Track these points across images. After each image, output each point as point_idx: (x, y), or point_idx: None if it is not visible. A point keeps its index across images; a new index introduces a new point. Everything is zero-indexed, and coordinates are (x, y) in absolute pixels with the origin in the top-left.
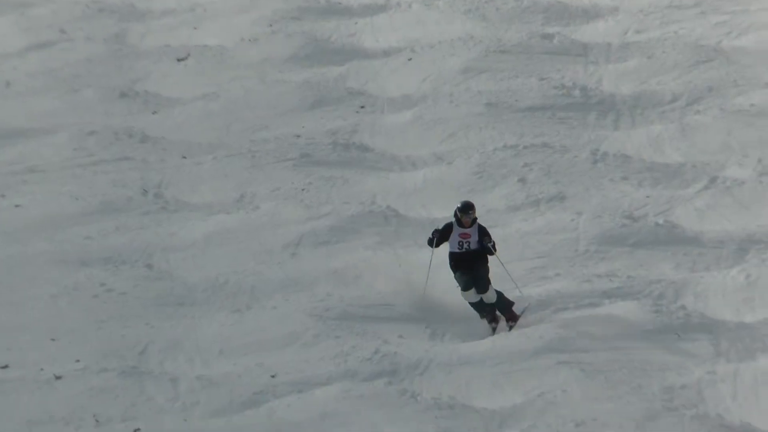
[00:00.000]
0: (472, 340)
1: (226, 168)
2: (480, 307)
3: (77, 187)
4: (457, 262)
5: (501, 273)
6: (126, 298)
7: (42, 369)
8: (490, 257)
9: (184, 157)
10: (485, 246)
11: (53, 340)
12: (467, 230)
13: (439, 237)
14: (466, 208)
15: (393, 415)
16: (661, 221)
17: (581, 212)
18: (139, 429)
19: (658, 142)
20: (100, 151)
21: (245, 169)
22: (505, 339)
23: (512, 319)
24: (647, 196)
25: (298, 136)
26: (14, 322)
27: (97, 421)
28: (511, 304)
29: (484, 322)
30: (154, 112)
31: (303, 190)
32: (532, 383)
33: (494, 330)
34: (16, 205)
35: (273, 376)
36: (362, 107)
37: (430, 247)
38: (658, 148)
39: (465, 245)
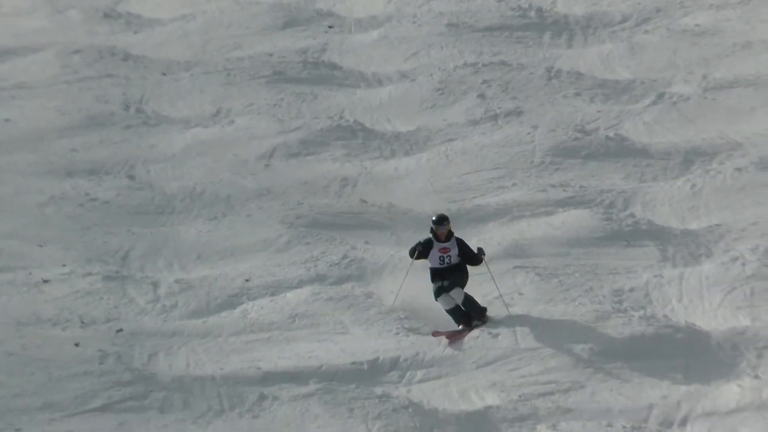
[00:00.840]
0: None
1: (202, 84)
2: (456, 313)
3: (63, 102)
4: (436, 274)
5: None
6: (109, 206)
7: (30, 273)
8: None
9: (164, 74)
10: (474, 256)
11: (41, 246)
12: (446, 245)
13: (420, 251)
14: (441, 220)
15: (359, 316)
16: (611, 134)
17: (537, 126)
18: (121, 329)
19: (608, 60)
20: (85, 69)
21: (221, 86)
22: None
23: (481, 318)
24: (598, 111)
25: (271, 55)
26: (3, 229)
27: (82, 322)
28: (483, 309)
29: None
30: (136, 32)
31: (275, 105)
32: (490, 286)
33: (471, 328)
34: (6, 119)
35: (247, 280)
36: (331, 27)
37: (410, 258)
38: (608, 65)
39: (446, 260)
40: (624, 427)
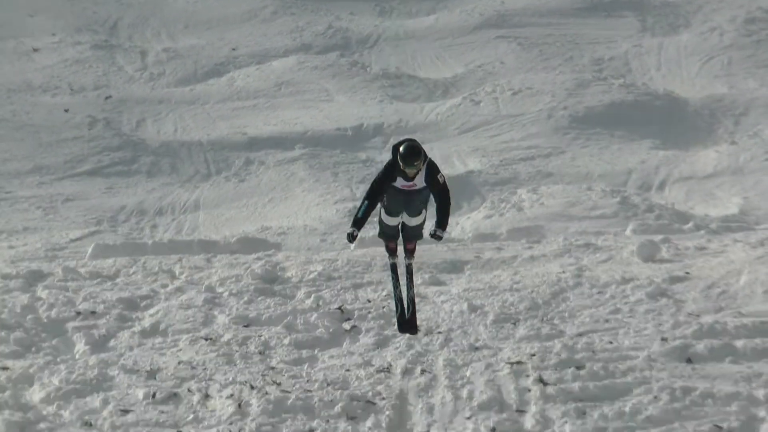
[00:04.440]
0: (418, 17)
1: None
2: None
3: None
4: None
5: None
6: None
7: (21, 42)
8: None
9: None
10: (433, 234)
11: (31, 16)
12: (412, 182)
13: (373, 195)
14: (410, 158)
15: (344, 84)
16: None
17: None
18: (110, 96)
19: None
20: None
21: None
22: (449, 16)
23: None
24: None
25: None
26: None
27: (71, 89)
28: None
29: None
30: None
31: None
32: (472, 55)
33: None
34: None
35: (234, 49)
36: None
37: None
38: None
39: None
40: (603, 190)
